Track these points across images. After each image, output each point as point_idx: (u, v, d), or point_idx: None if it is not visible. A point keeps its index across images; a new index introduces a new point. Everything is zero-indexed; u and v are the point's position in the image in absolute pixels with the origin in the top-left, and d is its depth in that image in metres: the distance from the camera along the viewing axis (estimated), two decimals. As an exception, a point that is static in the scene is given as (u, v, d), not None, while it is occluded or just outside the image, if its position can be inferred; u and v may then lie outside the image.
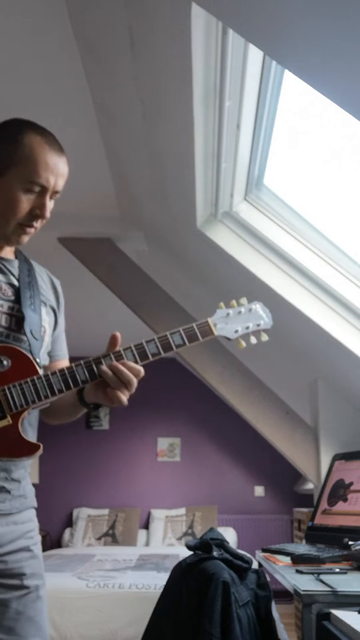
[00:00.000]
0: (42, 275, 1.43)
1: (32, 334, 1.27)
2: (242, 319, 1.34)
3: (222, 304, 1.34)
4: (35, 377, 1.21)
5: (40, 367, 1.25)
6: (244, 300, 1.36)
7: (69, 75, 2.16)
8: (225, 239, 2.72)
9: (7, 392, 1.19)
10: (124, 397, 1.22)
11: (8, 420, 1.19)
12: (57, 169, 1.24)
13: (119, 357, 1.23)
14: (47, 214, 1.27)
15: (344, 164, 2.21)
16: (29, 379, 1.20)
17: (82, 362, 1.23)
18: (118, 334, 1.25)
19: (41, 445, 1.23)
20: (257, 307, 1.37)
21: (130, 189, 2.98)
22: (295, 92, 1.95)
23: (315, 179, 2.40)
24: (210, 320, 1.30)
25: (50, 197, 1.27)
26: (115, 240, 3.47)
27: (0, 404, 1.19)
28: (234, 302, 1.35)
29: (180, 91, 1.87)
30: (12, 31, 1.98)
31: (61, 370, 1.22)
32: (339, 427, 3.24)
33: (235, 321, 1.33)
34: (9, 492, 1.24)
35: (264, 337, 1.36)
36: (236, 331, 1.32)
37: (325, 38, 1.26)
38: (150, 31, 1.78)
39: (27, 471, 1.32)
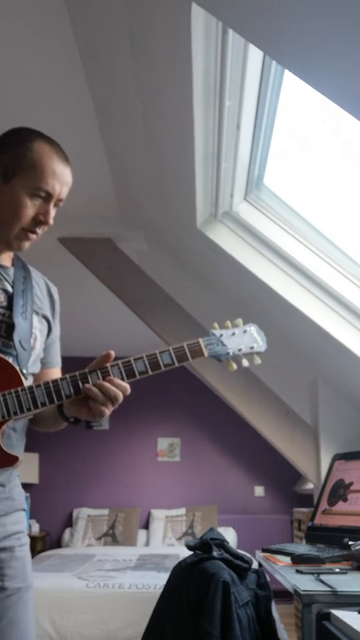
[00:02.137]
0: (39, 282, 1.42)
1: (20, 344, 1.26)
2: (235, 341, 1.32)
3: (216, 325, 1.32)
4: (19, 389, 1.20)
5: (26, 378, 1.24)
6: (239, 321, 1.34)
7: (69, 75, 2.16)
8: (225, 239, 2.72)
9: None
10: (107, 410, 1.21)
11: None
12: (63, 178, 1.27)
13: (105, 373, 1.22)
14: (51, 220, 1.28)
15: (344, 163, 2.21)
16: (12, 391, 1.19)
17: (67, 376, 1.22)
18: (112, 353, 1.24)
19: (19, 458, 1.22)
20: (252, 329, 1.35)
21: (130, 189, 2.98)
22: (295, 92, 1.95)
23: (315, 179, 2.40)
24: (201, 340, 1.28)
25: (54, 205, 1.28)
26: (115, 240, 3.47)
27: None
28: (228, 322, 1.34)
29: (180, 91, 1.87)
30: (13, 31, 1.98)
31: (46, 384, 1.21)
32: (339, 427, 3.24)
33: (227, 343, 1.31)
34: None
35: (257, 361, 1.34)
36: (227, 353, 1.31)
37: (325, 38, 1.26)
38: (150, 31, 1.78)
39: (13, 475, 1.31)
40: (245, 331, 1.34)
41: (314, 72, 1.42)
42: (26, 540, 1.31)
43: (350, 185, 2.27)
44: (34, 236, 1.29)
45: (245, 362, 1.34)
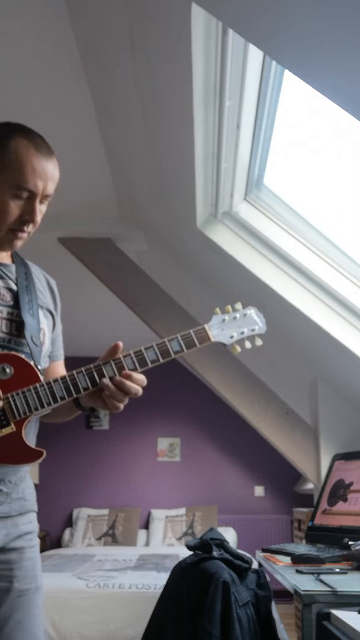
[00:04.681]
0: (39, 276, 1.43)
1: (32, 340, 1.28)
2: (237, 324, 1.35)
3: (217, 310, 1.35)
4: (37, 385, 1.22)
5: (42, 374, 1.26)
6: (238, 306, 1.38)
7: (69, 75, 2.16)
8: (225, 239, 2.72)
9: (11, 400, 1.20)
10: (121, 405, 1.24)
11: (12, 428, 1.20)
12: (45, 173, 1.23)
13: (118, 364, 1.24)
14: (38, 219, 1.25)
15: (343, 163, 2.21)
16: (31, 387, 1.21)
17: (82, 369, 1.23)
18: (121, 344, 1.26)
19: (44, 451, 1.24)
20: (252, 312, 1.38)
21: (130, 189, 2.98)
22: (295, 92, 1.95)
23: (315, 179, 2.40)
24: (206, 326, 1.31)
25: (41, 202, 1.25)
26: (115, 240, 3.47)
27: (4, 412, 1.20)
28: (229, 307, 1.36)
29: (180, 91, 1.87)
30: (13, 31, 1.98)
31: (63, 378, 1.23)
32: (339, 427, 3.25)
33: (230, 327, 1.34)
34: (7, 495, 1.24)
35: (258, 342, 1.38)
36: (231, 337, 1.34)
37: (325, 38, 1.26)
38: (150, 31, 1.78)
39: (26, 475, 1.32)
40: (245, 314, 1.37)
41: (314, 72, 1.42)
42: (37, 542, 1.32)
43: (350, 185, 2.28)
44: (23, 235, 1.27)
45: (247, 344, 1.37)
